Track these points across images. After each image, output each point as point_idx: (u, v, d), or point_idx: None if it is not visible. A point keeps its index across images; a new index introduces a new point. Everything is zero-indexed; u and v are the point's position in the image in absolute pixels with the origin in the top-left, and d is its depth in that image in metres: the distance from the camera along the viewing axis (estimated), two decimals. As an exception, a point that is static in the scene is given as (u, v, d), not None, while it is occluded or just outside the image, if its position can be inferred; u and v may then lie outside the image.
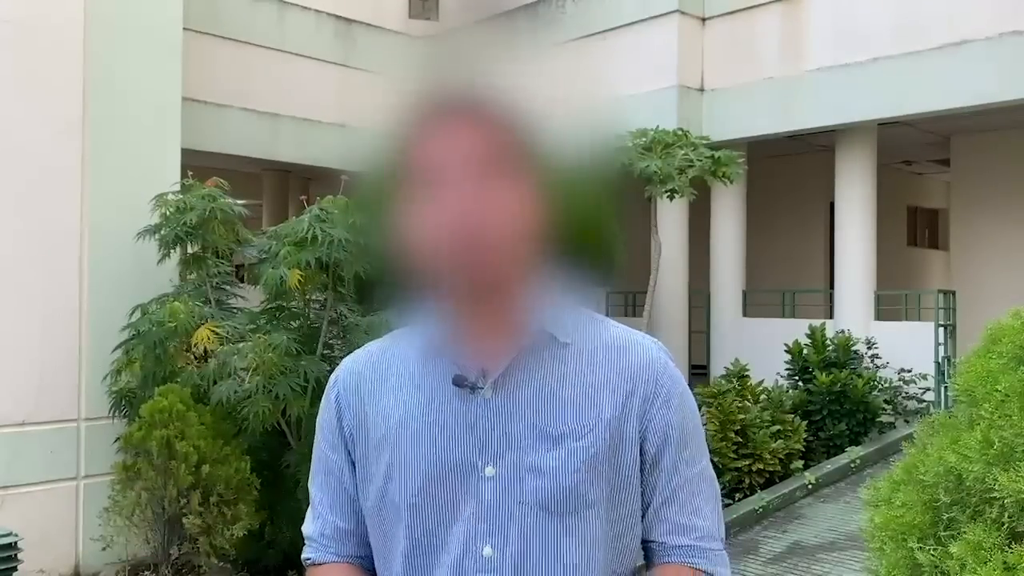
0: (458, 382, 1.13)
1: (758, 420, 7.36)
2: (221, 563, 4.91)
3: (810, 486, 7.22)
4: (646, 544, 1.21)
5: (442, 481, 1.12)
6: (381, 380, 1.19)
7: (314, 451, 1.26)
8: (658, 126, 7.57)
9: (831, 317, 10.79)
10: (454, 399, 1.13)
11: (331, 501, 1.23)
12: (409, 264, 1.08)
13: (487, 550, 1.10)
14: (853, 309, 10.48)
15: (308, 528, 1.26)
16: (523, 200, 1.06)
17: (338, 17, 11.14)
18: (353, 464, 1.21)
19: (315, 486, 1.26)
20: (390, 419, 1.16)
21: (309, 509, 1.27)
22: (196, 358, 5.15)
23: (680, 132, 7.75)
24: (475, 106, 1.06)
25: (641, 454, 1.17)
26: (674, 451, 1.18)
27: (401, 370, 1.18)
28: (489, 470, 1.11)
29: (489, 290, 1.09)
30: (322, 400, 1.25)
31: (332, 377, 1.26)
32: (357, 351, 1.27)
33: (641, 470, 1.17)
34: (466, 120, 1.05)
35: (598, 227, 1.22)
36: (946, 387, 9.12)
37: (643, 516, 1.19)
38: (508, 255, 1.06)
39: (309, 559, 1.26)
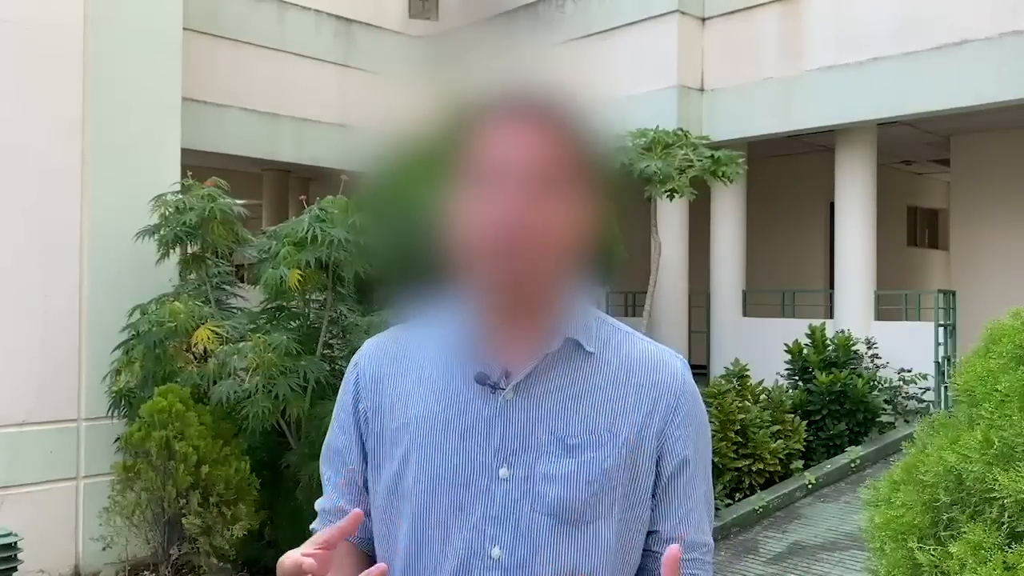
0: (481, 380, 1.13)
1: (758, 420, 7.36)
2: (221, 563, 4.91)
3: (810, 486, 7.21)
4: (654, 554, 1.20)
5: (456, 478, 1.12)
6: (402, 369, 1.20)
7: (329, 429, 1.27)
8: (658, 126, 7.56)
9: (831, 317, 10.78)
10: (474, 397, 1.14)
11: (336, 481, 1.24)
12: (450, 258, 1.09)
13: (496, 551, 1.11)
14: (853, 309, 10.48)
15: (319, 503, 1.28)
16: (574, 206, 1.08)
17: (338, 17, 11.13)
18: (363, 447, 1.22)
19: (325, 463, 1.27)
20: (409, 410, 1.16)
21: (323, 482, 1.29)
22: (196, 358, 5.15)
23: (680, 132, 7.74)
24: (541, 108, 1.07)
25: (656, 470, 1.17)
26: (690, 472, 1.19)
27: (423, 362, 1.19)
28: (503, 471, 1.12)
29: (526, 294, 1.10)
30: (344, 381, 1.27)
31: (353, 360, 1.27)
32: (380, 334, 1.27)
33: (654, 485, 1.17)
34: (532, 122, 1.06)
35: (603, 228, 1.22)
36: (946, 387, 9.11)
37: (654, 531, 1.19)
38: (553, 263, 1.08)
39: (314, 530, 1.26)
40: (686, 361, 1.24)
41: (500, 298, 1.11)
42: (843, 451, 7.97)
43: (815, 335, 9.12)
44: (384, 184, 1.25)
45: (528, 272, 1.06)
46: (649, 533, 1.19)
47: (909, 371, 9.39)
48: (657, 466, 1.17)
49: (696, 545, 1.19)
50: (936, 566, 2.08)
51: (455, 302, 1.17)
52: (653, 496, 1.18)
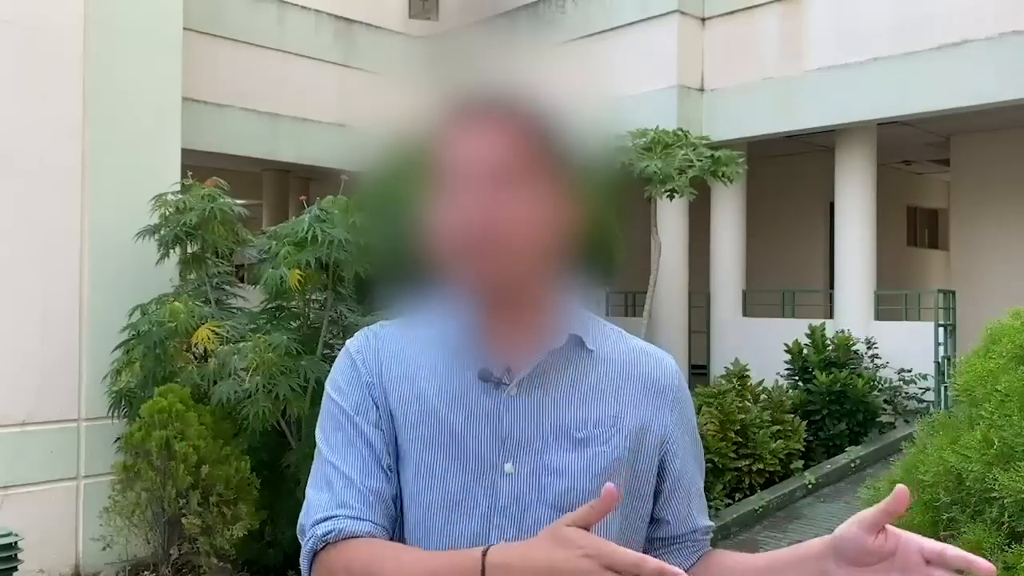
0: (484, 376, 1.13)
1: (758, 420, 7.36)
2: (221, 563, 4.91)
3: (810, 486, 7.21)
4: (679, 541, 1.25)
5: (461, 473, 1.12)
6: (401, 363, 1.17)
7: (328, 419, 1.17)
8: (658, 126, 7.56)
9: (831, 317, 10.78)
10: (479, 393, 1.13)
11: (361, 465, 1.12)
12: (433, 260, 1.10)
13: (502, 544, 1.11)
14: (853, 309, 10.48)
15: (326, 500, 1.10)
16: (544, 204, 1.08)
17: (338, 17, 11.13)
18: (381, 421, 1.14)
19: (338, 453, 1.13)
20: (410, 406, 1.15)
21: (321, 484, 1.13)
22: (196, 358, 5.15)
23: (680, 132, 7.74)
24: (505, 108, 1.08)
25: (662, 464, 1.21)
26: (693, 467, 1.25)
27: (423, 358, 1.17)
28: (509, 467, 1.12)
29: (507, 291, 1.11)
30: (338, 364, 1.20)
31: (347, 347, 1.20)
32: (369, 328, 1.22)
33: (659, 482, 1.21)
34: (495, 122, 1.07)
35: (601, 227, 1.23)
36: (946, 387, 9.11)
37: (664, 524, 1.24)
38: (524, 259, 1.08)
39: (334, 531, 1.07)
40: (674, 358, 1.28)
41: (482, 296, 1.12)
42: (843, 451, 7.97)
43: (815, 335, 9.13)
44: (376, 185, 1.25)
45: (499, 272, 1.07)
46: (659, 532, 1.24)
47: (909, 371, 9.39)
48: (664, 464, 1.21)
49: (708, 529, 1.28)
50: (936, 566, 2.07)
51: (447, 301, 1.16)
52: (660, 493, 1.22)
